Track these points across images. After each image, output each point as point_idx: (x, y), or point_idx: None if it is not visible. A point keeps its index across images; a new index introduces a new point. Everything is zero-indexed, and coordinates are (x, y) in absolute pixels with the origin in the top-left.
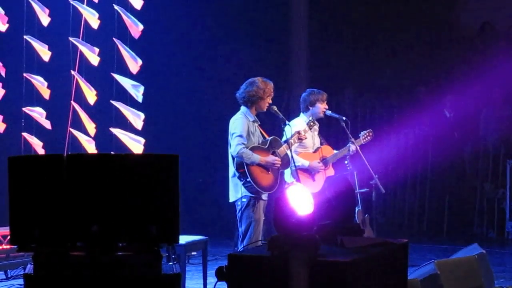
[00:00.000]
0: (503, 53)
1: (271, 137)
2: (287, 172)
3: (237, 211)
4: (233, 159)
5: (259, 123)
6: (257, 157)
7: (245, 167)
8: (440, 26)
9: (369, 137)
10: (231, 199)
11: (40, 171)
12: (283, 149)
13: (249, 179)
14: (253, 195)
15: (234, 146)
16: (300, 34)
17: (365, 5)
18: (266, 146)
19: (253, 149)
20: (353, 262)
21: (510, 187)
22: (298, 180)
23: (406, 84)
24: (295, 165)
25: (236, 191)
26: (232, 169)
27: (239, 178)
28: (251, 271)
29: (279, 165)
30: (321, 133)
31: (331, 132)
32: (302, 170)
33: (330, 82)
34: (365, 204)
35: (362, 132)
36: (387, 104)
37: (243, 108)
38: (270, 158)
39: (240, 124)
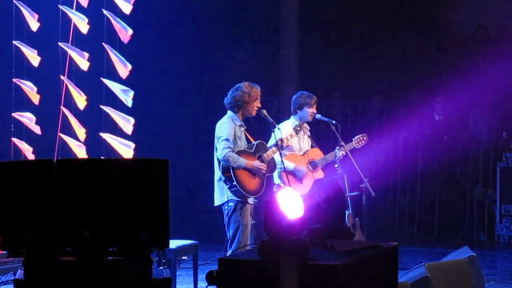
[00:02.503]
0: (493, 56)
1: (257, 141)
2: (276, 174)
3: (224, 215)
4: (219, 162)
5: (246, 127)
6: (243, 161)
7: (231, 171)
8: (430, 29)
9: (363, 141)
10: (216, 203)
11: (30, 176)
12: (270, 153)
13: (235, 183)
14: (240, 199)
15: (221, 150)
16: (289, 39)
17: (355, 8)
18: (252, 150)
19: (239, 153)
20: (344, 266)
21: (501, 190)
22: (284, 182)
23: (396, 87)
24: (284, 168)
25: (222, 195)
26: (218, 173)
27: (225, 182)
28: (241, 276)
29: (264, 170)
30: (311, 137)
31: (321, 136)
32: (289, 172)
33: (320, 86)
34: (355, 207)
35: (356, 136)
36: (377, 107)
37: (229, 112)
38: (256, 163)
39: (227, 128)
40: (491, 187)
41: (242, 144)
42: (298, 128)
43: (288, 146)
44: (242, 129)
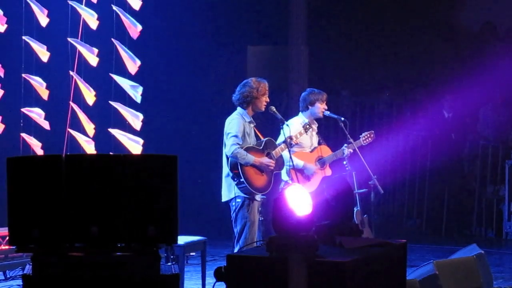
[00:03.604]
0: (502, 54)
1: (266, 138)
2: (283, 171)
3: (232, 211)
4: (227, 159)
5: (255, 124)
6: (251, 158)
7: (239, 167)
8: (439, 26)
9: (370, 139)
10: (224, 199)
11: (38, 171)
12: (278, 150)
13: (242, 179)
14: (247, 196)
15: (229, 146)
16: (298, 35)
17: (364, 5)
18: (261, 147)
19: (247, 149)
20: (352, 263)
21: (509, 187)
22: (292, 179)
23: (405, 84)
24: (293, 164)
25: (229, 191)
26: (226, 169)
27: (232, 178)
28: (249, 272)
29: (273, 168)
30: (319, 134)
31: (329, 133)
32: (297, 169)
33: (328, 83)
34: (363, 204)
35: (363, 133)
36: (385, 104)
37: (239, 108)
38: (265, 160)
39: (236, 124)
40: (499, 184)
41: (251, 141)
42: (308, 126)
43: (296, 143)
44: (252, 125)
